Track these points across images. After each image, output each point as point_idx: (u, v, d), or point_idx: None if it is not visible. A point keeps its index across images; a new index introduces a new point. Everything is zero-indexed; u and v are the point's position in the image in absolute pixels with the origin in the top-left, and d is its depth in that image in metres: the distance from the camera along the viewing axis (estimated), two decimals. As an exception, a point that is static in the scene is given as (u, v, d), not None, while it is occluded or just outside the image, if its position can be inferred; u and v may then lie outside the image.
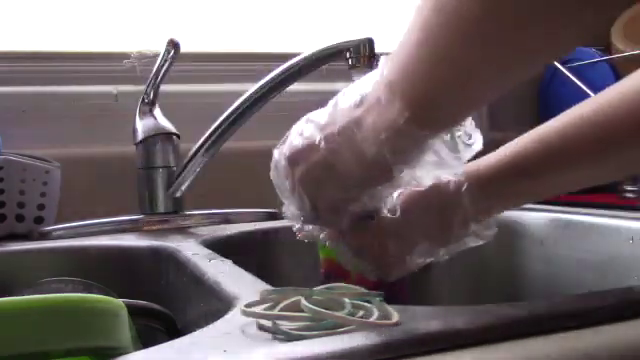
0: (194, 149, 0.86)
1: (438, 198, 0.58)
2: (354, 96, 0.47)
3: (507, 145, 0.57)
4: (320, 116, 0.50)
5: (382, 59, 0.45)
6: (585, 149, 0.53)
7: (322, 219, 0.54)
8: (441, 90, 0.42)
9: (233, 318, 0.46)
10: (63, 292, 0.62)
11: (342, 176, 0.49)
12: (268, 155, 0.56)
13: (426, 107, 0.43)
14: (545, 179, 0.56)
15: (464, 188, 0.57)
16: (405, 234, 0.58)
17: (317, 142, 0.49)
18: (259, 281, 0.57)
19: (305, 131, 0.51)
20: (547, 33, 0.38)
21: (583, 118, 0.53)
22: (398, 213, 0.58)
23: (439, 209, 0.58)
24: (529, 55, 0.40)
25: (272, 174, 0.55)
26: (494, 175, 0.57)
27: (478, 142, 0.50)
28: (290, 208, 0.55)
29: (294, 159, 0.51)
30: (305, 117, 0.52)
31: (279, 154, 0.54)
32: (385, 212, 0.58)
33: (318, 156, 0.49)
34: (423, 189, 0.58)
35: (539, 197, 0.61)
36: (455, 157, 0.48)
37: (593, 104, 0.53)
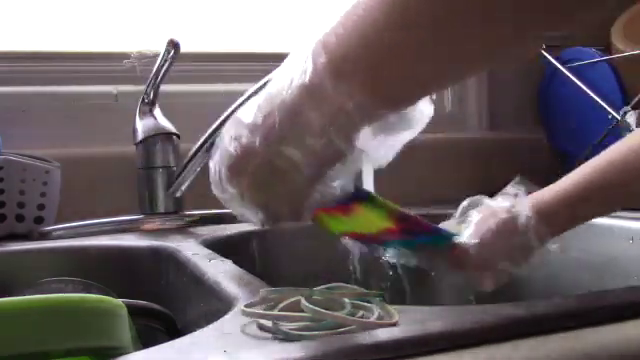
0: (194, 149, 0.85)
1: (507, 224, 0.65)
2: (284, 84, 0.43)
3: (568, 175, 0.66)
4: (251, 114, 0.45)
5: (314, 44, 0.41)
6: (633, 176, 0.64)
7: (283, 219, 0.49)
8: (402, 73, 0.40)
9: (233, 318, 0.46)
10: (63, 292, 0.62)
11: (291, 173, 0.45)
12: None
13: (384, 89, 0.41)
14: (599, 202, 0.66)
15: (526, 215, 0.64)
16: (486, 258, 0.65)
17: (257, 144, 0.44)
18: (259, 281, 0.57)
19: (239, 135, 0.46)
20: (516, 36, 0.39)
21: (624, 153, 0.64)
22: (475, 241, 0.65)
23: (509, 234, 0.65)
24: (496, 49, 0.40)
25: (214, 189, 0.50)
26: (555, 202, 0.65)
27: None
28: (245, 216, 0.50)
29: (235, 169, 0.47)
30: (234, 117, 0.47)
31: (215, 165, 0.49)
32: (463, 241, 0.65)
33: (260, 159, 0.45)
34: (494, 218, 0.65)
35: (591, 218, 0.69)
36: (404, 119, 0.45)
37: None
